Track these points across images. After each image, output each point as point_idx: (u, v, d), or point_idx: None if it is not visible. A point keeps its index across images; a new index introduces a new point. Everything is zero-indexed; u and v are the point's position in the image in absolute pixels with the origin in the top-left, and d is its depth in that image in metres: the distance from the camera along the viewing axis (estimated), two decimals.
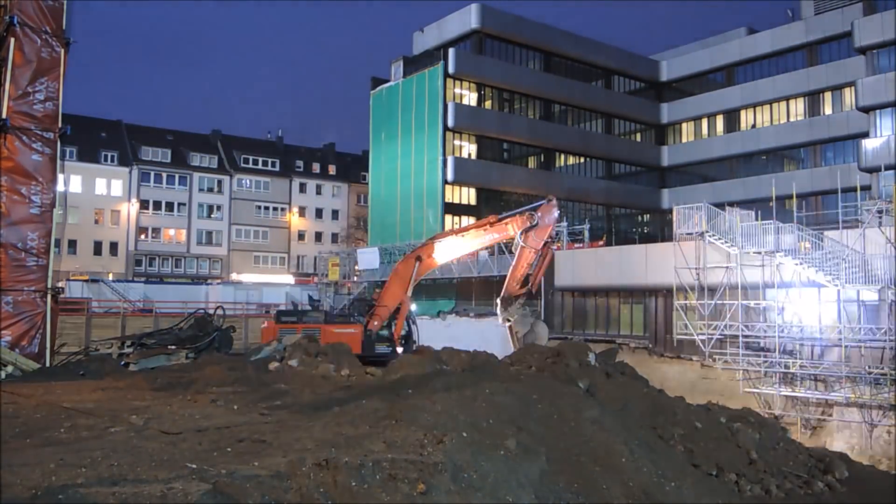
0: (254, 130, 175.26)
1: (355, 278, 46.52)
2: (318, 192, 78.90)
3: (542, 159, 52.43)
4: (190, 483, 5.37)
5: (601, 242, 40.46)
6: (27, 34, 15.71)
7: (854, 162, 40.31)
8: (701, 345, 25.00)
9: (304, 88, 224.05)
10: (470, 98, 48.41)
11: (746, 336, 23.85)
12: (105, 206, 66.79)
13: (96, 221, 66.13)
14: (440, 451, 6.71)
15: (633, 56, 55.99)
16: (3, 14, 15.99)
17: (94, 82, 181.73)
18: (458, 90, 47.49)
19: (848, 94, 44.12)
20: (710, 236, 25.01)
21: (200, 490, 5.15)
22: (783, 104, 49.07)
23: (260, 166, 75.69)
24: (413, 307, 22.89)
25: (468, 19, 48.10)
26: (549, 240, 21.76)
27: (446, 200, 46.43)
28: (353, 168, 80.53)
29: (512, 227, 21.13)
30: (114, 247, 66.94)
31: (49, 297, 15.89)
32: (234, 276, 68.77)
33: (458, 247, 22.06)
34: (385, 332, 21.03)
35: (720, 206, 26.34)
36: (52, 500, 4.92)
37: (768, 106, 49.98)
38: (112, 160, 67.18)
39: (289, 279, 67.31)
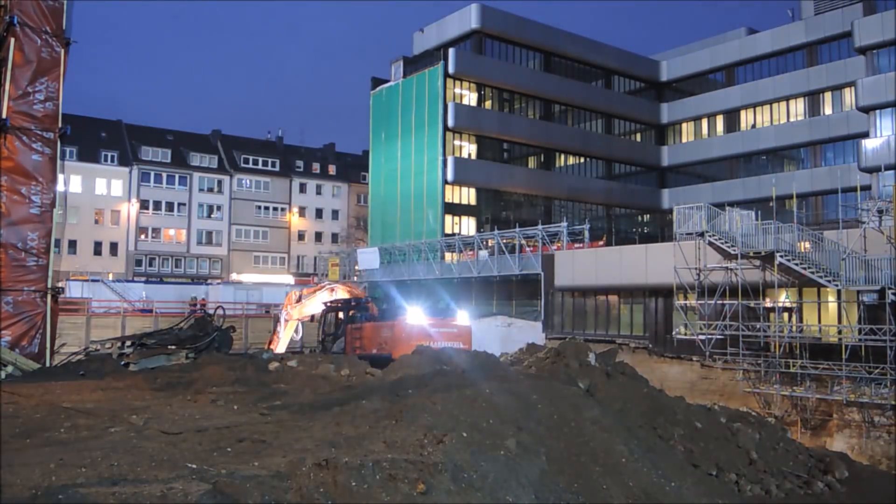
0: (254, 130, 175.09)
1: (355, 278, 46.50)
2: (318, 192, 78.84)
3: (542, 159, 52.42)
4: (190, 483, 5.37)
5: (601, 242, 40.40)
6: (27, 34, 15.72)
7: (854, 162, 40.29)
8: (701, 345, 24.98)
9: (304, 88, 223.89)
10: (470, 98, 48.38)
11: (746, 336, 23.83)
12: (105, 206, 66.72)
13: (96, 221, 66.06)
14: (440, 451, 6.71)
15: (633, 56, 55.95)
16: (3, 14, 16.00)
17: (94, 82, 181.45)
18: (458, 90, 47.46)
19: (848, 94, 44.09)
20: (709, 236, 24.99)
21: (200, 490, 5.14)
22: (783, 104, 49.04)
23: (260, 166, 75.63)
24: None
25: (468, 19, 48.07)
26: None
27: (446, 200, 46.39)
28: (353, 168, 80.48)
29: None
30: (114, 247, 66.88)
31: (49, 297, 15.90)
32: (234, 276, 68.72)
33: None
34: None
35: (720, 206, 26.30)
36: (52, 500, 4.91)
37: (768, 106, 49.94)
38: (112, 160, 67.12)
39: (289, 279, 67.25)
